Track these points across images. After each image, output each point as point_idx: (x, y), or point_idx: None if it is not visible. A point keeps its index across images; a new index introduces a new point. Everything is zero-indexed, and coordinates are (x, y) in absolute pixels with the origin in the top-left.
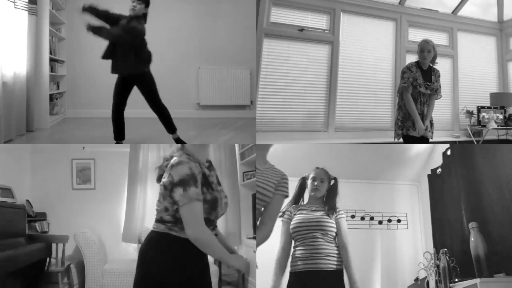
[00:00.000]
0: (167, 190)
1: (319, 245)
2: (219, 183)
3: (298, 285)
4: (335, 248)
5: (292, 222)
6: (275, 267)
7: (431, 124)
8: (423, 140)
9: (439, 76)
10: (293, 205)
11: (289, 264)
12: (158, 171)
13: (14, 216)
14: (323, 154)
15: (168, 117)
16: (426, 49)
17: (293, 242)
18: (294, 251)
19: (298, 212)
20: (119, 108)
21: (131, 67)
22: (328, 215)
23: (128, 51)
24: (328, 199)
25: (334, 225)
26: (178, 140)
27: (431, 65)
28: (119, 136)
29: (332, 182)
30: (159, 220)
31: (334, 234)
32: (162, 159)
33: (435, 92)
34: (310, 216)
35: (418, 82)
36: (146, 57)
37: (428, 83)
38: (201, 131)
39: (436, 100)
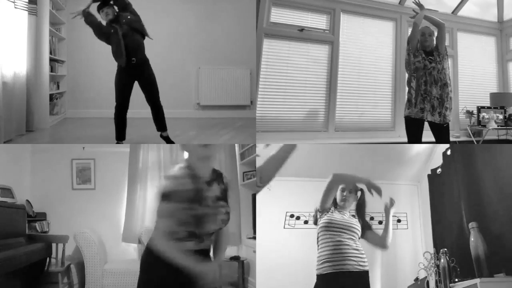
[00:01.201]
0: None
1: (345, 247)
2: (221, 199)
3: (328, 286)
4: (361, 249)
5: (319, 222)
6: None
7: (447, 108)
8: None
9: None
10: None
11: (315, 267)
12: None
13: (14, 216)
14: (323, 154)
15: (163, 114)
16: (427, 32)
17: (318, 244)
18: (320, 252)
19: (324, 215)
20: (122, 108)
21: (142, 52)
22: (354, 216)
23: (137, 41)
24: (360, 213)
25: (359, 226)
26: (167, 139)
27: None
28: (120, 136)
29: (359, 193)
30: None
31: (359, 235)
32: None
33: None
34: (338, 218)
35: (417, 53)
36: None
37: (431, 58)
38: (201, 131)
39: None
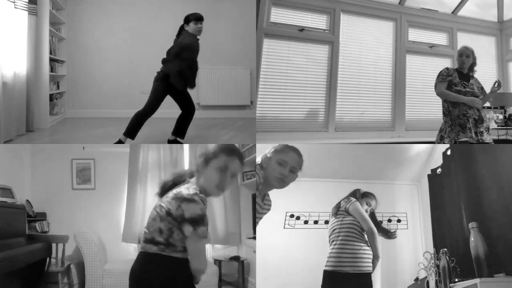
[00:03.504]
0: (176, 221)
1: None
2: None
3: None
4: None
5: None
6: None
7: (488, 129)
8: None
9: (479, 83)
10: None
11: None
12: (163, 185)
13: (14, 216)
14: (323, 154)
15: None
16: (464, 53)
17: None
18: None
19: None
20: (150, 115)
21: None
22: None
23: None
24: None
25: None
26: (174, 141)
27: (470, 74)
28: (131, 134)
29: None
30: (150, 241)
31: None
32: (172, 175)
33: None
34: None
35: (454, 82)
36: None
37: (465, 83)
38: (201, 131)
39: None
